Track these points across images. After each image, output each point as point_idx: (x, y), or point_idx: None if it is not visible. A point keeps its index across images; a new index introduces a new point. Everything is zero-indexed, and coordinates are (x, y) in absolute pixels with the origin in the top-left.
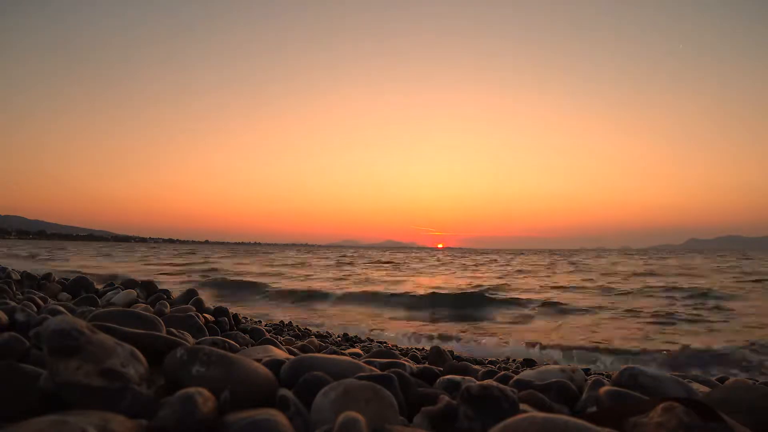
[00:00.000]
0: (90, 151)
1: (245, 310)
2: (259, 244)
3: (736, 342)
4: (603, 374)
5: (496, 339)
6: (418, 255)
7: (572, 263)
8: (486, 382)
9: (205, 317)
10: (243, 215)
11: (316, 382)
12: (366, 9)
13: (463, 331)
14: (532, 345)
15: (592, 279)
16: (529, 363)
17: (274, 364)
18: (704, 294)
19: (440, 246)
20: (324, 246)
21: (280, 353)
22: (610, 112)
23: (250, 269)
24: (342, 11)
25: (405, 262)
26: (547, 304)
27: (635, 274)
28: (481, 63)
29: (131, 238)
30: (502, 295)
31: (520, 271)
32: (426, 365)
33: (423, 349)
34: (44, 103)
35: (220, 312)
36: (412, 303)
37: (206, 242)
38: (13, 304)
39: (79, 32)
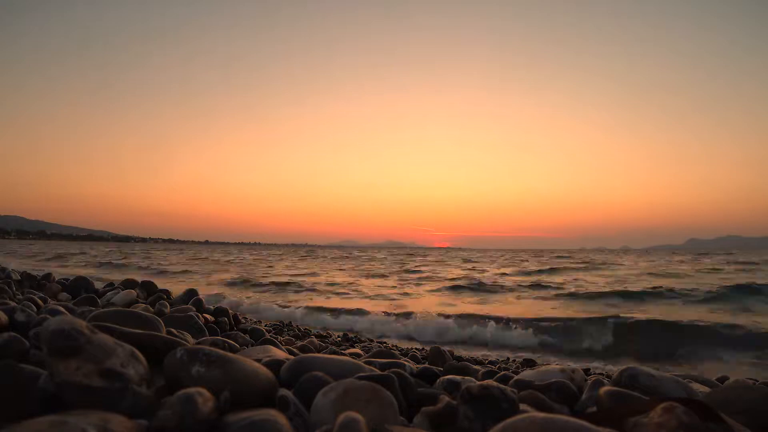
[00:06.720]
0: (90, 152)
1: None
2: (260, 244)
3: None
4: (603, 374)
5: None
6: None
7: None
8: (486, 382)
9: (205, 317)
10: (243, 215)
11: (316, 382)
12: (370, 7)
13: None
14: None
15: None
16: (529, 363)
17: (274, 365)
18: None
19: (442, 245)
20: (325, 246)
21: (280, 353)
22: (611, 111)
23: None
24: (345, 11)
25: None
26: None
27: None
28: (481, 62)
29: (131, 239)
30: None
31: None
32: (426, 365)
33: (423, 349)
34: (44, 103)
35: (220, 312)
36: None
37: (206, 242)
38: (13, 304)
39: (80, 32)
